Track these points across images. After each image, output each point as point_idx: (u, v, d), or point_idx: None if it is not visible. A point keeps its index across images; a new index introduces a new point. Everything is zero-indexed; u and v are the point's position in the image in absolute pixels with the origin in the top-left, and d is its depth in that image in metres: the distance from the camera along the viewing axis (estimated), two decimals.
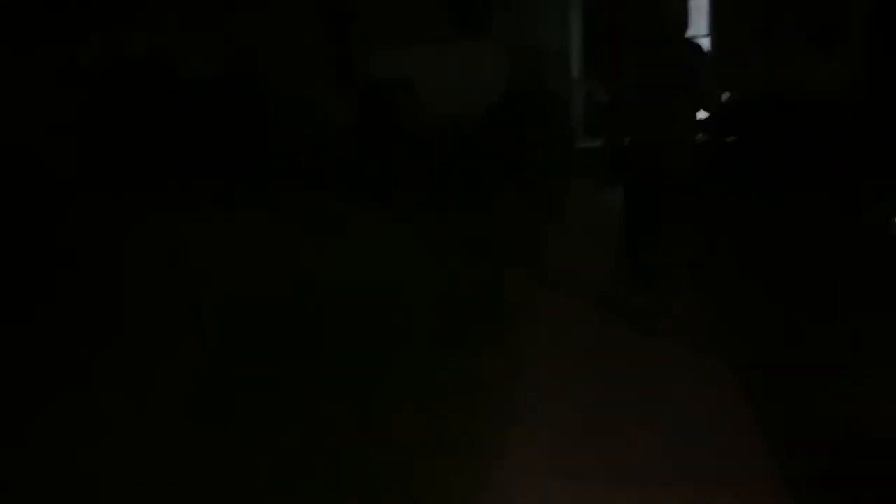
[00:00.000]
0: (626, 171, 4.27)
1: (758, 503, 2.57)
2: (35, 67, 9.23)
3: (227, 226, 6.74)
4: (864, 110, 8.21)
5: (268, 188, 7.88)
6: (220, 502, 2.73)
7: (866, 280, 4.60)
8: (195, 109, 9.26)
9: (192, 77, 9.65)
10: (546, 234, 6.67)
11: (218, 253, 5.98)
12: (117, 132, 8.91)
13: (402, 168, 8.38)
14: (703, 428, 3.10)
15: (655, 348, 4.02)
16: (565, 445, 2.99)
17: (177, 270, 5.55)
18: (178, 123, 9.04)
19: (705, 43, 10.73)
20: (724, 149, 8.66)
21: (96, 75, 9.26)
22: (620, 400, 3.40)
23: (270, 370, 3.84)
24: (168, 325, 4.54)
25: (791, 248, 5.59)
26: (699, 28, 10.86)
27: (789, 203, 6.74)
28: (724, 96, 9.65)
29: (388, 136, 9.17)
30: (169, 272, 5.50)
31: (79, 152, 8.75)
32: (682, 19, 4.10)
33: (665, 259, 4.22)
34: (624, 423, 3.17)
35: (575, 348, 4.12)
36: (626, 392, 3.47)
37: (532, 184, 7.98)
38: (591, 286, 4.97)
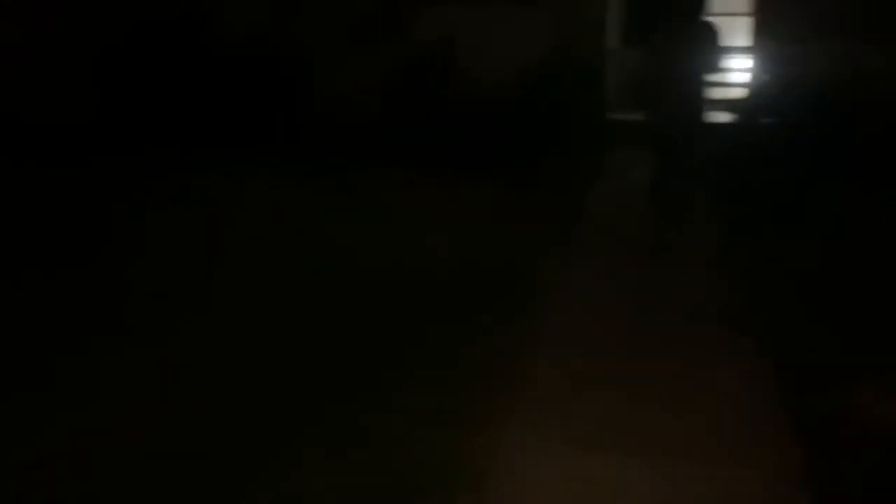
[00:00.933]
0: (654, 121, 5.58)
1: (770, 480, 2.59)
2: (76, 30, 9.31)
3: (267, 192, 6.88)
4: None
5: (309, 152, 8.01)
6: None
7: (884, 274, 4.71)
8: (233, 71, 9.36)
9: (231, 38, 9.71)
10: (582, 201, 6.79)
11: (258, 220, 6.14)
12: (157, 94, 9.02)
13: (442, 133, 8.48)
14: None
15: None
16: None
17: (214, 238, 5.71)
18: (214, 86, 9.14)
19: (747, 23, 10.69)
20: (760, 130, 8.70)
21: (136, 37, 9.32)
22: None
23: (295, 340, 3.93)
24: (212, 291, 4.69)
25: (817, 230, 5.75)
26: (741, 5, 10.81)
27: (819, 187, 6.84)
28: (764, 78, 9.69)
29: (431, 99, 9.24)
30: (208, 240, 5.65)
31: (121, 115, 8.87)
32: (699, 3, 5.33)
33: (681, 188, 5.49)
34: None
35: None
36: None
37: (568, 151, 8.09)
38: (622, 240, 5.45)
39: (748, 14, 10.77)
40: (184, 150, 8.01)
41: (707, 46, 5.35)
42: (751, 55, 10.22)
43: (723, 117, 9.80)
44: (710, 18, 5.49)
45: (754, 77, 10.00)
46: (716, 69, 5.52)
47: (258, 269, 5.01)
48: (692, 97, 5.40)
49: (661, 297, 4.40)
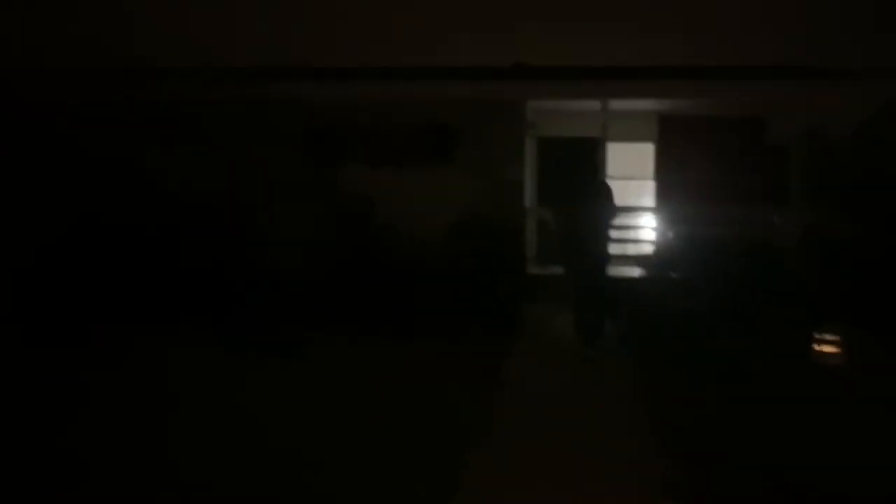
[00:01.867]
0: (570, 267, 7.35)
1: None
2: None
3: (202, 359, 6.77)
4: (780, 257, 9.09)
5: (241, 317, 8.01)
6: None
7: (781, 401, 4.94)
8: (168, 235, 9.43)
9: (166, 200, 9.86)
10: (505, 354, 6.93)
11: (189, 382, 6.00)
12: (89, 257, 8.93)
13: (366, 287, 8.65)
14: None
15: None
16: None
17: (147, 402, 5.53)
18: (149, 252, 9.15)
19: (651, 186, 11.73)
20: (670, 282, 9.26)
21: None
22: None
23: None
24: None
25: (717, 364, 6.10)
26: (646, 171, 11.90)
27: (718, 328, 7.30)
28: (668, 236, 10.50)
29: (354, 258, 9.46)
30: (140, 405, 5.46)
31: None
32: (599, 168, 7.20)
33: (597, 319, 7.18)
34: None
35: None
36: None
37: (490, 306, 8.35)
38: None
39: (652, 179, 11.85)
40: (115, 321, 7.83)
41: (606, 202, 7.33)
42: (654, 215, 11.12)
43: (633, 272, 10.39)
44: (606, 180, 7.59)
45: (658, 235, 10.81)
46: (613, 219, 7.53)
47: (194, 435, 4.82)
48: (598, 244, 7.12)
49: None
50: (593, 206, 7.22)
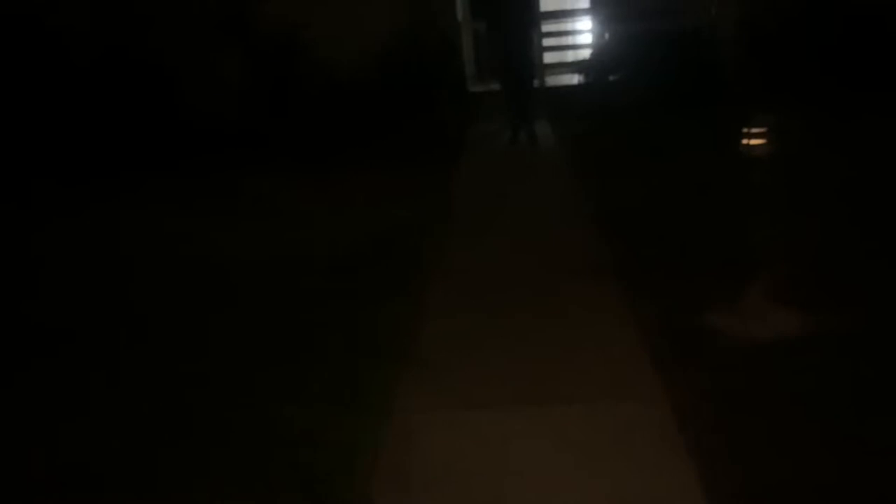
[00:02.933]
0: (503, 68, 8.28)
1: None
2: None
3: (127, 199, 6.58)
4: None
5: (179, 158, 7.72)
6: None
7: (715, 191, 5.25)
8: (81, 82, 8.81)
9: (77, 49, 9.13)
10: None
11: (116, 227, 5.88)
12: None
13: (301, 120, 8.41)
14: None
15: None
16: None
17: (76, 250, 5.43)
18: (63, 98, 8.58)
19: None
20: (609, 86, 9.27)
21: None
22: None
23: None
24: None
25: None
26: None
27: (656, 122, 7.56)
28: (605, 38, 10.29)
29: (286, 89, 9.11)
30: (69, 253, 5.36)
31: None
32: None
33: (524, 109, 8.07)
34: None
35: None
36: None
37: (431, 125, 8.29)
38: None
39: None
40: (50, 168, 7.51)
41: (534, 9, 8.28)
42: (591, 16, 10.80)
43: (572, 79, 10.31)
44: None
45: (595, 37, 10.60)
46: (537, 23, 8.48)
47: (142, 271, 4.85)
48: (525, 45, 7.99)
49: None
50: (520, 12, 7.92)
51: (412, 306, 3.89)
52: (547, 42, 10.38)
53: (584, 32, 10.99)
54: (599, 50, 10.11)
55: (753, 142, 2.97)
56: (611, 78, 9.50)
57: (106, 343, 3.82)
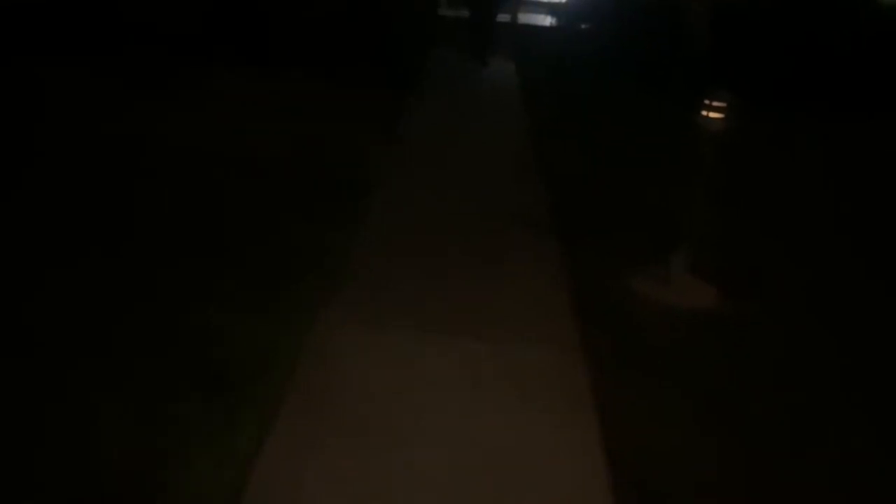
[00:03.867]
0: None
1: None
2: None
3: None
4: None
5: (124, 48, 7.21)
6: None
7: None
8: None
9: None
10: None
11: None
12: None
13: (263, 28, 7.95)
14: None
15: None
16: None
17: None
18: None
19: None
20: (579, 33, 9.14)
21: None
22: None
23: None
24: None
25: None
26: None
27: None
28: None
29: None
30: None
31: None
32: None
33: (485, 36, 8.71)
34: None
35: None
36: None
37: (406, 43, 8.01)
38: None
39: None
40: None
41: None
42: None
43: (544, 20, 10.12)
44: None
45: None
46: None
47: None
48: None
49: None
50: None
51: (342, 225, 3.81)
52: None
53: None
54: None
55: (712, 115, 2.98)
56: (583, 26, 9.36)
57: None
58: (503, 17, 9.88)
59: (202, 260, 3.27)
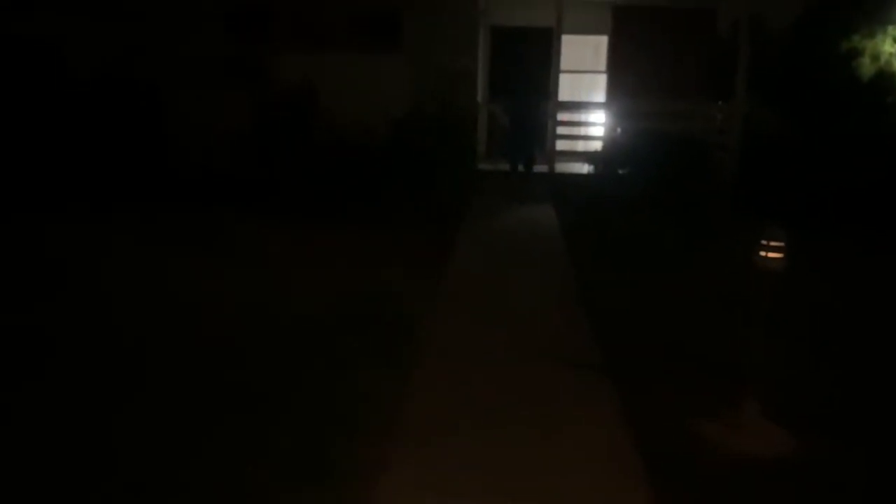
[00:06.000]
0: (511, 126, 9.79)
1: None
2: None
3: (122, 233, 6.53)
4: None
5: (175, 197, 7.72)
6: None
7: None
8: (86, 105, 8.91)
9: (85, 72, 9.30)
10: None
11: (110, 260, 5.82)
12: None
13: (308, 176, 8.44)
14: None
15: None
16: None
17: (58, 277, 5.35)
18: (67, 119, 8.65)
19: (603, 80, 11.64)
20: (616, 178, 9.40)
21: None
22: None
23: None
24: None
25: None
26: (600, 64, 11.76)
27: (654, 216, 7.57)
28: (617, 132, 10.50)
29: (295, 142, 9.19)
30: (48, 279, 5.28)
31: None
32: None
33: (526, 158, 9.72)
34: None
35: None
36: None
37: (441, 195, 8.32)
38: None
39: (604, 72, 11.72)
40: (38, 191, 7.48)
41: (539, 99, 9.86)
42: (605, 110, 11.05)
43: (581, 168, 10.45)
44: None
45: (607, 130, 10.80)
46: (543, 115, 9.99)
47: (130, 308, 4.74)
48: (532, 120, 9.68)
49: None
50: (530, 93, 9.63)
51: (393, 380, 3.77)
52: (560, 130, 10.55)
53: (596, 125, 11.20)
54: (611, 143, 10.27)
55: (770, 255, 2.94)
56: (620, 171, 9.63)
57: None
58: (540, 168, 10.28)
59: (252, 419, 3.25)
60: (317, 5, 10.04)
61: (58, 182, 7.85)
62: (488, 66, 11.45)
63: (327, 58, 9.91)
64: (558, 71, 10.23)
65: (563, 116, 10.57)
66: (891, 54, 9.61)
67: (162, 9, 9.80)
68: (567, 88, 10.81)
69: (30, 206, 7.30)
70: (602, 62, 11.77)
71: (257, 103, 9.64)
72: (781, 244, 2.95)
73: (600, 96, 11.67)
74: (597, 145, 10.55)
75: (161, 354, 4.08)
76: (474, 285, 5.66)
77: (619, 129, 10.58)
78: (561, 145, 10.56)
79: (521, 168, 9.85)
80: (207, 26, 9.98)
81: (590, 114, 11.42)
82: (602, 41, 11.67)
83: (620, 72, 11.50)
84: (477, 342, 4.37)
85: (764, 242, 2.96)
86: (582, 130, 11.33)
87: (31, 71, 9.07)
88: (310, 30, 10.17)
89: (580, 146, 10.82)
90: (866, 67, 9.65)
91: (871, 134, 8.85)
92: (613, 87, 11.56)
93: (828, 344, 4.55)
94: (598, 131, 11.07)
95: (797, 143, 8.96)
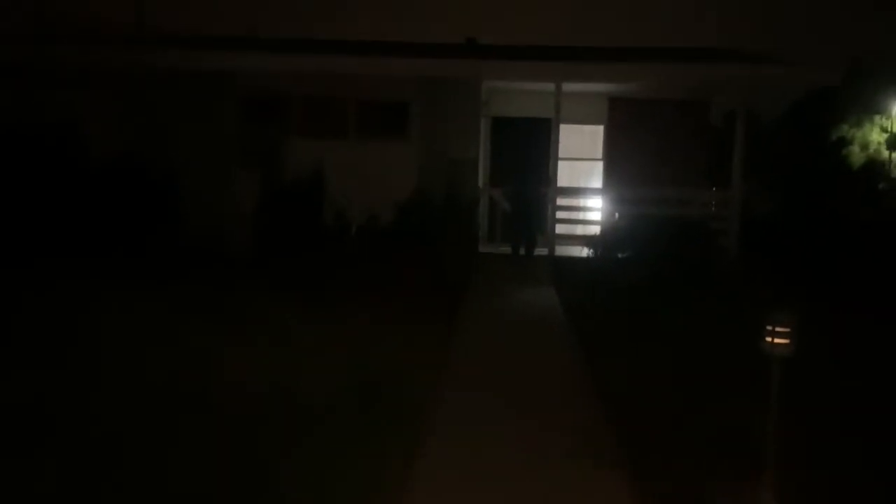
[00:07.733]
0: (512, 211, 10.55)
1: None
2: None
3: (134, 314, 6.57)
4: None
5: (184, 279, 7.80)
6: None
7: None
8: (105, 188, 9.14)
9: (105, 153, 9.59)
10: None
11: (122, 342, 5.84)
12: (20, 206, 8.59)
13: (315, 259, 8.54)
14: None
15: None
16: None
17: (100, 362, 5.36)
18: (88, 201, 8.85)
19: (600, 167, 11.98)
20: (616, 262, 9.51)
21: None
22: None
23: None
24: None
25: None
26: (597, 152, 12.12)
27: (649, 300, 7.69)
28: (615, 217, 10.73)
29: (304, 226, 9.35)
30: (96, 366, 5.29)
31: None
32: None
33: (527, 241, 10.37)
34: None
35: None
36: None
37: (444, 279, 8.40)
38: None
39: (601, 159, 12.08)
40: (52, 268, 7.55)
41: (538, 185, 10.50)
42: (602, 196, 11.32)
43: (580, 251, 10.60)
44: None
45: (605, 215, 11.04)
46: (542, 200, 10.55)
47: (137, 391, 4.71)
48: (533, 202, 10.39)
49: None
50: (537, 186, 10.32)
51: (396, 466, 3.73)
52: (559, 215, 10.78)
53: (594, 210, 11.44)
54: (610, 227, 10.46)
55: (778, 340, 2.99)
56: (619, 255, 9.75)
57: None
58: (540, 251, 10.44)
59: None
60: (329, 94, 10.43)
61: (76, 261, 7.93)
62: (490, 154, 11.81)
63: (338, 143, 10.25)
64: (557, 158, 10.57)
65: (562, 201, 10.83)
66: (879, 143, 9.96)
67: (181, 95, 10.18)
68: (566, 175, 11.13)
69: (48, 285, 7.33)
70: (599, 150, 12.15)
71: (268, 189, 9.89)
72: (788, 329, 3.00)
73: (598, 182, 11.99)
74: (595, 229, 10.73)
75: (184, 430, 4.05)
76: (479, 373, 5.64)
77: (616, 214, 10.83)
78: (560, 229, 10.77)
79: (522, 251, 10.47)
80: (224, 112, 10.34)
81: (588, 199, 11.69)
82: (598, 130, 12.09)
83: (616, 159, 11.88)
84: (487, 426, 4.35)
85: (769, 328, 3.01)
86: (581, 215, 11.57)
87: (56, 154, 9.34)
88: (322, 117, 10.56)
89: (579, 230, 11.00)
90: (856, 156, 10.00)
91: (865, 220, 9.05)
92: (610, 174, 11.91)
93: (839, 424, 4.52)
94: (597, 216, 11.29)
95: (795, 227, 9.15)
